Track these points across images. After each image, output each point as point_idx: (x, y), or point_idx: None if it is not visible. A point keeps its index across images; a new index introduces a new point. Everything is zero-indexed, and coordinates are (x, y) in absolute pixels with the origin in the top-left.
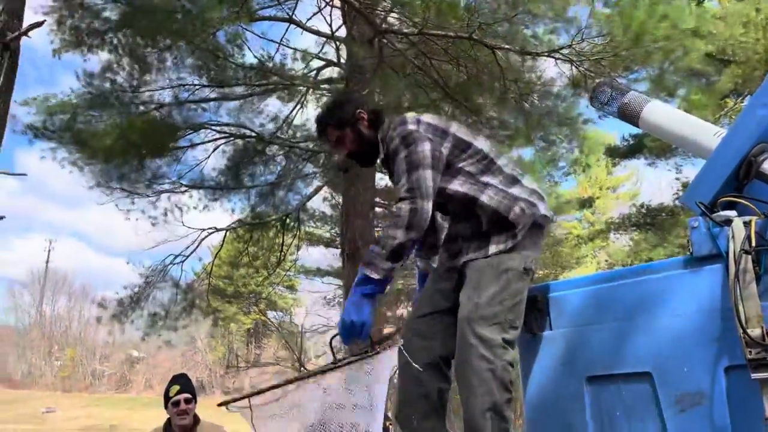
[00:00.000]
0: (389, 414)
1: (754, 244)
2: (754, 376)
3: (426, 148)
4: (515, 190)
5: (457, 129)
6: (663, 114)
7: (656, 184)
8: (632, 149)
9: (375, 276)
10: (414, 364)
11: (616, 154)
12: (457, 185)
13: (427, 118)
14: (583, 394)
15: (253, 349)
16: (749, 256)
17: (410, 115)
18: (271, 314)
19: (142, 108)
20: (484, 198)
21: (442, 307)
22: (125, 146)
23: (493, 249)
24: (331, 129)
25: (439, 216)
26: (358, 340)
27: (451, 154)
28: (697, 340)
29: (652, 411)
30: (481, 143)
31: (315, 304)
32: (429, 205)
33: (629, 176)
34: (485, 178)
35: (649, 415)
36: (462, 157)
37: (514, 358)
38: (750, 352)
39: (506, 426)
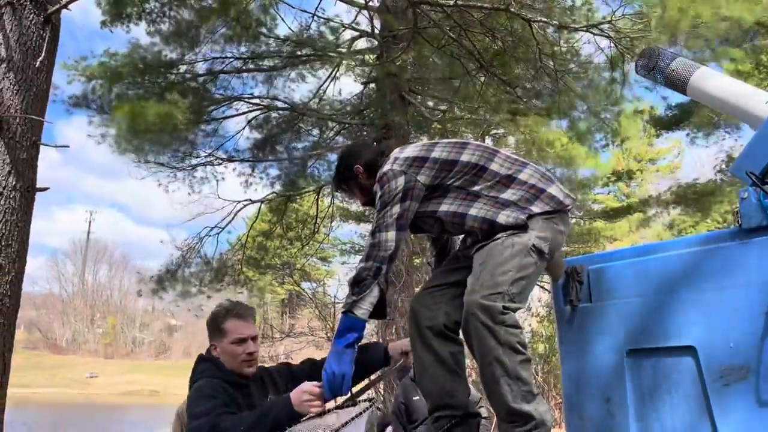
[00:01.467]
0: None
1: None
2: None
3: (399, 183)
4: (508, 193)
5: (440, 151)
6: (712, 81)
7: (697, 158)
8: (676, 120)
9: (354, 316)
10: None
11: (660, 124)
12: (446, 205)
13: (408, 150)
14: (623, 368)
15: (287, 319)
16: None
17: (393, 153)
18: (305, 285)
19: (177, 79)
20: (473, 212)
21: (449, 281)
22: (161, 118)
23: (500, 234)
24: (341, 189)
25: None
26: (339, 393)
27: (435, 177)
28: (744, 314)
29: (694, 385)
30: (469, 154)
31: (348, 276)
32: (387, 265)
33: (670, 149)
34: (475, 188)
35: (691, 390)
36: (449, 176)
37: (516, 321)
38: None
39: (527, 388)
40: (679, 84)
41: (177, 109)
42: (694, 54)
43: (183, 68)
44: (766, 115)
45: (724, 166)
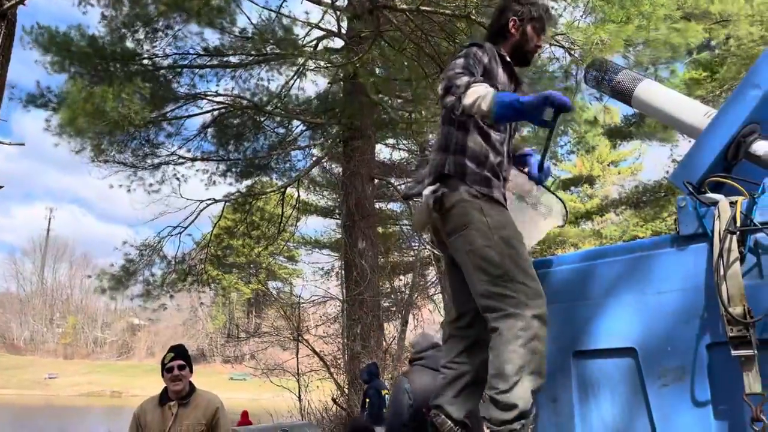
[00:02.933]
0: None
1: (738, 224)
2: (735, 353)
3: None
4: None
5: None
6: (655, 93)
7: (658, 159)
8: (632, 128)
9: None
10: None
11: (617, 134)
12: None
13: None
14: (569, 368)
15: (253, 319)
16: (734, 236)
17: None
18: (271, 284)
19: (137, 71)
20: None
21: None
22: (122, 115)
23: None
24: None
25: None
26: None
27: None
28: (681, 318)
29: (635, 385)
30: None
31: (314, 275)
32: None
33: (632, 151)
34: None
35: (632, 390)
36: None
37: None
38: (731, 329)
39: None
40: (624, 95)
41: (134, 104)
42: (646, 68)
43: (144, 62)
44: (704, 128)
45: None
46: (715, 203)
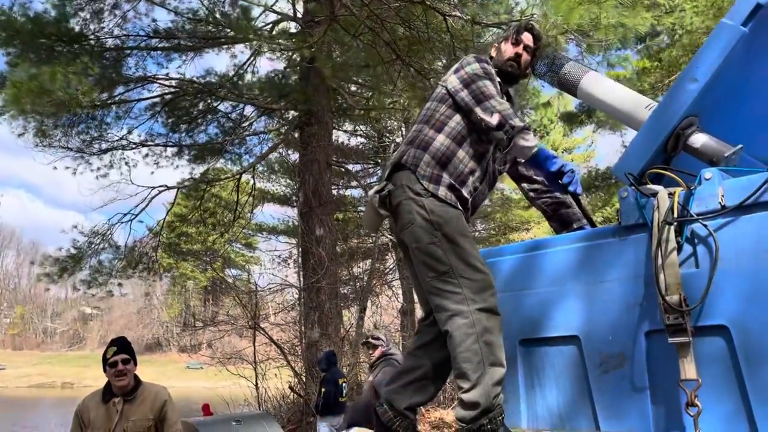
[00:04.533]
0: None
1: (676, 215)
2: (671, 340)
3: None
4: None
5: None
6: (599, 85)
7: (610, 146)
8: (585, 115)
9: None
10: None
11: (573, 121)
12: None
13: None
14: (516, 356)
15: (210, 307)
16: (671, 227)
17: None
18: (228, 272)
19: (82, 51)
20: None
21: None
22: (68, 95)
23: None
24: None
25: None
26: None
27: None
28: (622, 306)
29: (578, 372)
30: None
31: (272, 262)
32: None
33: (585, 138)
34: None
35: (575, 377)
36: None
37: None
38: (668, 317)
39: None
40: (570, 87)
41: (83, 84)
42: (594, 58)
43: (90, 42)
44: (645, 120)
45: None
46: (655, 194)
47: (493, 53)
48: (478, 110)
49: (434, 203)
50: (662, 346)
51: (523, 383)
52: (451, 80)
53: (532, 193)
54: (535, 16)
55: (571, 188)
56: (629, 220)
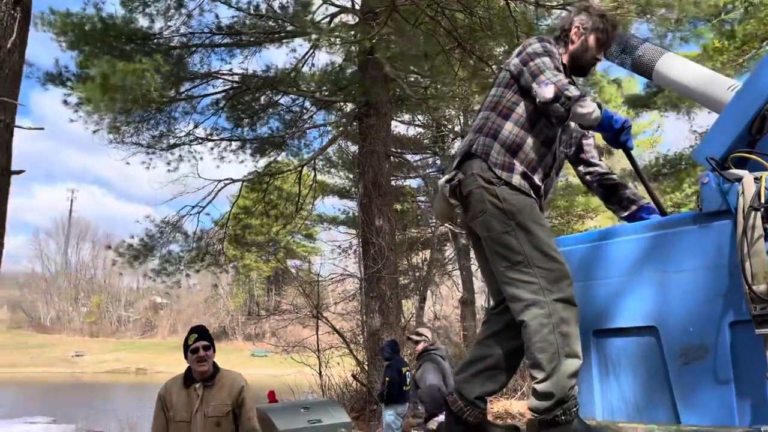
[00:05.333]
0: None
1: (763, 200)
2: (759, 331)
3: None
4: None
5: None
6: (677, 67)
7: (678, 130)
8: (651, 98)
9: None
10: None
11: (637, 104)
12: None
13: None
14: (589, 347)
15: (273, 296)
16: (758, 213)
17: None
18: (290, 262)
19: (150, 50)
20: None
21: None
22: (141, 92)
23: None
24: None
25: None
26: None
27: None
28: (704, 296)
29: (656, 364)
30: None
31: (332, 253)
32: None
33: (650, 123)
34: None
35: (652, 368)
36: None
37: None
38: (755, 308)
39: None
40: (645, 70)
41: (155, 80)
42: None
43: (158, 40)
44: (728, 101)
45: (697, 140)
46: (740, 179)
47: (575, 38)
48: (534, 86)
49: (507, 191)
50: (748, 337)
51: (597, 374)
52: (514, 62)
53: (588, 177)
54: None
55: (629, 144)
56: (711, 207)
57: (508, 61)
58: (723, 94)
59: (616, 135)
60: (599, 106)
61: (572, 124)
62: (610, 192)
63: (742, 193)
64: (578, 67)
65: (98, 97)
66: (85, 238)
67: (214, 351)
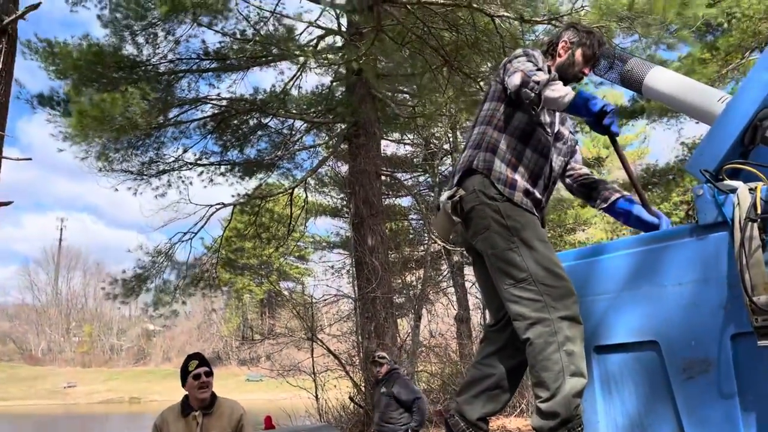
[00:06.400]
0: None
1: (759, 211)
2: (761, 343)
3: None
4: None
5: None
6: (666, 80)
7: (665, 141)
8: (638, 109)
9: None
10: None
11: (623, 114)
12: None
13: None
14: (591, 363)
15: (267, 320)
16: (755, 224)
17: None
18: (283, 285)
19: (138, 77)
20: None
21: None
22: (128, 120)
23: None
24: None
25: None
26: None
27: None
28: (704, 309)
29: (659, 379)
30: None
31: (325, 274)
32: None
33: (637, 135)
34: None
35: (656, 383)
36: None
37: None
38: (756, 319)
39: None
40: (634, 84)
41: (141, 107)
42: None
43: (147, 67)
44: (718, 113)
45: (685, 151)
46: (734, 190)
47: (562, 52)
48: (506, 79)
49: (510, 207)
50: (751, 349)
51: (600, 390)
52: (500, 73)
53: (569, 179)
54: (585, 8)
55: (613, 129)
56: (707, 219)
57: (499, 71)
58: (713, 106)
59: (597, 119)
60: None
61: (565, 132)
62: (591, 188)
63: (738, 204)
64: (563, 80)
65: (86, 125)
66: (76, 266)
67: (212, 377)
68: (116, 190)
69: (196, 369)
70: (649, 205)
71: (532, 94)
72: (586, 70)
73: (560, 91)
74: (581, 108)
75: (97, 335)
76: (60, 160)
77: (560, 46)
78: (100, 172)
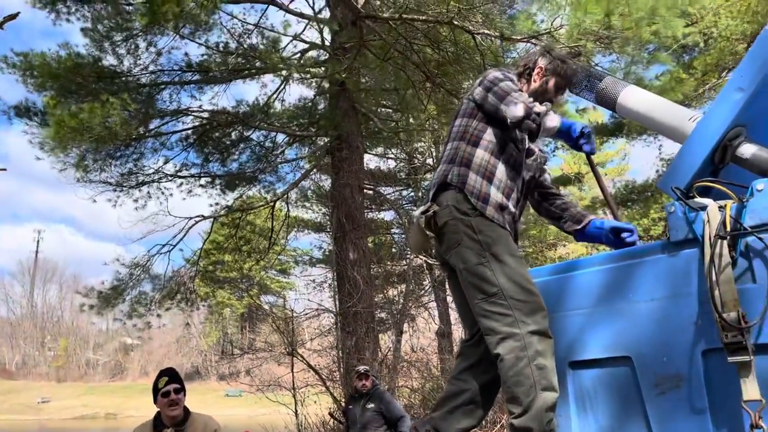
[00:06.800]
0: None
1: (729, 228)
2: (731, 359)
3: None
4: None
5: None
6: (639, 99)
7: (644, 158)
8: (618, 127)
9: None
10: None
11: (603, 132)
12: None
13: None
14: (566, 379)
15: (247, 334)
16: (725, 241)
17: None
18: (264, 298)
19: (118, 88)
20: None
21: None
22: (107, 130)
23: None
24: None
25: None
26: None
27: None
28: (675, 325)
29: (632, 394)
30: None
31: (306, 288)
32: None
33: (618, 152)
34: None
35: (629, 399)
36: None
37: None
38: (726, 336)
39: None
40: (609, 103)
41: (121, 118)
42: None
43: (125, 78)
44: (689, 132)
45: (664, 167)
46: (704, 208)
47: (537, 78)
48: (502, 107)
49: (482, 222)
50: (721, 365)
51: (575, 406)
52: (477, 91)
53: (537, 197)
54: (564, 27)
55: (585, 148)
56: (678, 236)
57: (471, 92)
58: (684, 125)
59: (576, 141)
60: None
61: (534, 149)
62: (561, 210)
63: (708, 221)
64: None
65: (64, 135)
66: (52, 279)
67: (185, 394)
68: (95, 201)
69: (165, 386)
70: (619, 220)
71: (534, 125)
72: (555, 99)
73: (554, 122)
74: (563, 133)
75: (73, 349)
76: (38, 171)
77: (535, 72)
78: (78, 183)
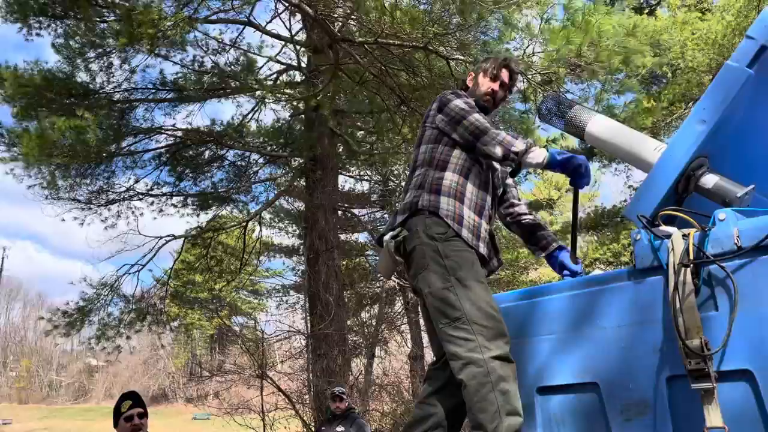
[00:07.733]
0: None
1: (692, 256)
2: (694, 386)
3: None
4: None
5: None
6: (606, 128)
7: (614, 185)
8: (588, 154)
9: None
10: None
11: None
12: None
13: None
14: (534, 405)
15: (216, 356)
16: (688, 269)
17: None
18: (235, 320)
19: (91, 104)
20: None
21: None
22: (77, 149)
23: None
24: None
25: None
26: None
27: None
28: (641, 351)
29: (599, 420)
30: None
31: (278, 309)
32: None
33: None
34: None
35: (596, 425)
36: None
37: None
38: (690, 362)
39: None
40: (577, 131)
41: (94, 135)
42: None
43: (97, 95)
44: (654, 162)
45: (630, 195)
46: (669, 236)
47: (469, 83)
48: (479, 146)
49: (449, 247)
50: (685, 392)
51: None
52: (439, 119)
53: (508, 218)
54: (537, 54)
55: (583, 184)
56: (644, 263)
57: (431, 118)
58: (650, 154)
59: (574, 176)
60: (546, 148)
61: (497, 165)
62: (530, 232)
63: (672, 249)
64: (480, 107)
65: (32, 151)
66: (16, 297)
67: (147, 418)
68: (63, 219)
69: (128, 410)
70: (575, 256)
71: (513, 165)
72: (496, 86)
73: (538, 158)
74: (556, 166)
75: (36, 370)
76: (3, 186)
77: (468, 79)
78: (46, 200)
